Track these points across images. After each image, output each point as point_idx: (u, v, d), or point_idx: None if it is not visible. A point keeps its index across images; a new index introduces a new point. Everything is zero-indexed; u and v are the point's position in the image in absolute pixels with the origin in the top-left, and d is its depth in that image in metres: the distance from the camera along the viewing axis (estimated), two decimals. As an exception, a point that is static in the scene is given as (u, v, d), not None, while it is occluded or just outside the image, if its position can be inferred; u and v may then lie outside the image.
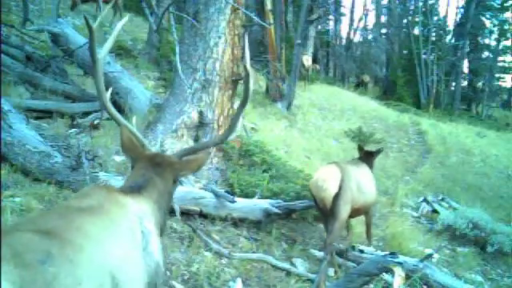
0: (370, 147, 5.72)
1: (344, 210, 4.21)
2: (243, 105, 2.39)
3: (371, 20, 41.55)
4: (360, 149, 5.12)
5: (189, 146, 5.42)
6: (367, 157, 5.04)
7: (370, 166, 5.00)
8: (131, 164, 2.19)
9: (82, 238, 1.41)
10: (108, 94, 2.30)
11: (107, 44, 2.34)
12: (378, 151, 5.11)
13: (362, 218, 5.76)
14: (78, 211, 1.54)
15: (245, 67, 2.32)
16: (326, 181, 4.19)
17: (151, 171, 2.05)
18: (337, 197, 4.14)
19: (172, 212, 4.26)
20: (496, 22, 30.33)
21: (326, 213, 4.28)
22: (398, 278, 3.14)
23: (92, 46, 2.15)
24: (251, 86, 2.37)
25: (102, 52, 2.26)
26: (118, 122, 2.26)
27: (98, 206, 1.61)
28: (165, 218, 2.11)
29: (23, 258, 1.19)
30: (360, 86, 23.95)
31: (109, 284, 1.42)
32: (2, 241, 1.19)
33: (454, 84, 28.92)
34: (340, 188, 4.17)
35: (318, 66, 22.53)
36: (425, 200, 7.31)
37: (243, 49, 2.96)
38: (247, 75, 2.33)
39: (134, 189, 1.92)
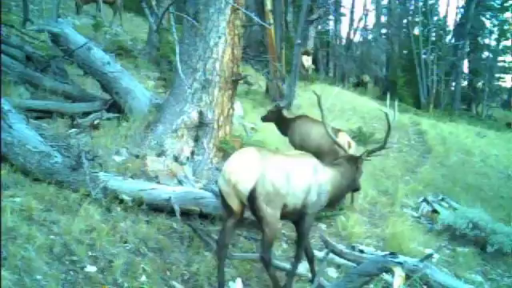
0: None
1: None
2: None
3: (371, 20, 41.46)
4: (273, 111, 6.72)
5: (189, 145, 5.49)
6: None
7: None
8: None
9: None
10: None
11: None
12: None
13: (363, 218, 5.80)
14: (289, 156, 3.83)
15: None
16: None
17: (344, 160, 4.18)
18: None
19: (172, 212, 4.28)
20: (496, 22, 30.34)
21: None
22: (398, 278, 3.13)
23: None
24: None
25: (326, 119, 4.48)
26: (339, 145, 4.60)
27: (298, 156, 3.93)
28: (345, 187, 4.12)
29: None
30: (359, 85, 23.93)
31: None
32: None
33: (454, 84, 28.90)
34: None
35: (312, 66, 22.41)
36: (425, 200, 7.30)
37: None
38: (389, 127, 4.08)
39: (331, 162, 4.24)
